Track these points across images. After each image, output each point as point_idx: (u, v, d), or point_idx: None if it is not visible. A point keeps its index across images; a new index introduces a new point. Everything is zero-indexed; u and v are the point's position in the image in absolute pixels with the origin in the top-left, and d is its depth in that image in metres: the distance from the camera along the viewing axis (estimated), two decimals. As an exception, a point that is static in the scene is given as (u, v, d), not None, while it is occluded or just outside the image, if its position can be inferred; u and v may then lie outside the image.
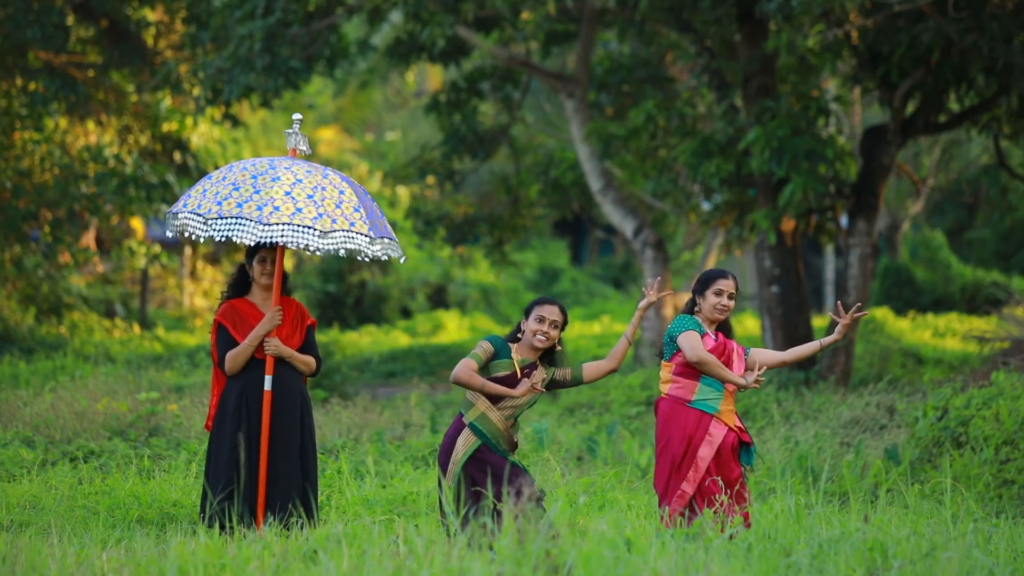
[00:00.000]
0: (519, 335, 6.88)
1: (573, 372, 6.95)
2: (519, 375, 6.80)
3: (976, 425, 9.61)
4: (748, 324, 24.04)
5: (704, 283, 6.98)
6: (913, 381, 14.99)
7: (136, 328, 23.54)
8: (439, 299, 31.23)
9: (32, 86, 19.43)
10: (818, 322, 21.39)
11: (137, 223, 24.90)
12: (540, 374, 6.85)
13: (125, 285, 27.21)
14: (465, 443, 6.77)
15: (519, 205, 21.19)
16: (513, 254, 24.94)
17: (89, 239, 24.62)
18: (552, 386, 6.95)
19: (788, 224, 15.25)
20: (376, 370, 20.49)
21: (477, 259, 31.16)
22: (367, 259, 7.31)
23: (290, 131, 7.55)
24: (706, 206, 18.05)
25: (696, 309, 6.97)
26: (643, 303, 6.92)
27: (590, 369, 6.96)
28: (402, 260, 7.42)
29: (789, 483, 8.87)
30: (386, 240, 7.30)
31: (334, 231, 7.09)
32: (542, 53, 19.63)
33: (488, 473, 6.71)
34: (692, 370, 6.89)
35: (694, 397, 6.90)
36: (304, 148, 7.52)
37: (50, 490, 8.83)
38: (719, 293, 6.93)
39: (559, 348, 6.90)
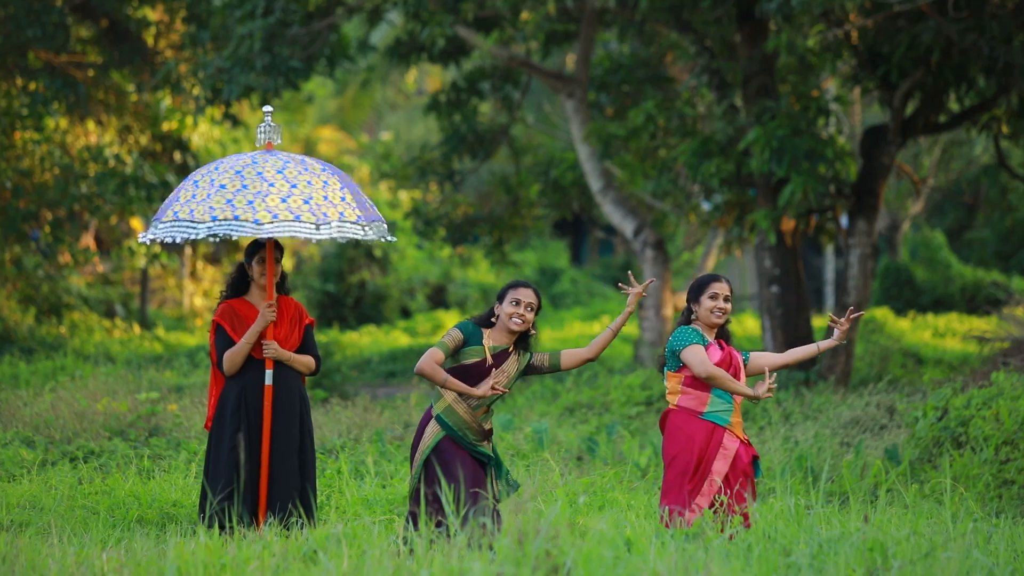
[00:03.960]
0: (493, 319, 6.84)
1: (551, 358, 6.90)
2: (490, 362, 6.77)
3: (976, 425, 9.61)
4: (748, 324, 24.04)
5: (698, 289, 6.85)
6: (913, 381, 14.99)
7: (136, 328, 23.53)
8: (439, 299, 31.23)
9: (32, 86, 19.42)
10: (818, 322, 21.38)
11: (137, 223, 24.89)
12: (510, 366, 6.80)
13: (125, 285, 27.20)
14: (431, 435, 6.80)
15: (519, 205, 21.18)
16: (513, 254, 24.92)
17: (89, 239, 24.62)
18: (530, 371, 6.91)
19: (788, 224, 15.24)
20: (376, 370, 20.48)
21: (477, 259, 31.14)
22: (382, 239, 7.36)
23: (263, 124, 7.60)
24: (706, 206, 18.04)
25: (693, 317, 6.84)
26: (631, 298, 6.86)
27: (568, 356, 6.90)
28: (391, 239, 7.45)
29: (789, 483, 8.87)
30: (376, 223, 7.37)
31: (328, 223, 7.12)
32: (542, 53, 19.62)
33: (449, 467, 6.69)
34: (703, 381, 6.76)
35: (706, 409, 6.76)
36: (277, 140, 7.60)
37: (50, 490, 8.83)
38: (714, 297, 6.79)
39: (533, 332, 6.86)
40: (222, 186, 7.10)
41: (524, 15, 18.70)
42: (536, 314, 6.82)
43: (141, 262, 23.14)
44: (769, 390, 6.70)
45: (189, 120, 20.69)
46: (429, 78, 37.00)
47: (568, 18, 18.62)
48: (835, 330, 6.94)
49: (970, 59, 13.94)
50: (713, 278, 6.87)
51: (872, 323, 20.75)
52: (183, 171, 21.50)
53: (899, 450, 10.10)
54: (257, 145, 7.62)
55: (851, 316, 6.96)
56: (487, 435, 6.84)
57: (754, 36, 15.25)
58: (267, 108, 7.69)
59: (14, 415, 11.43)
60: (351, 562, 5.35)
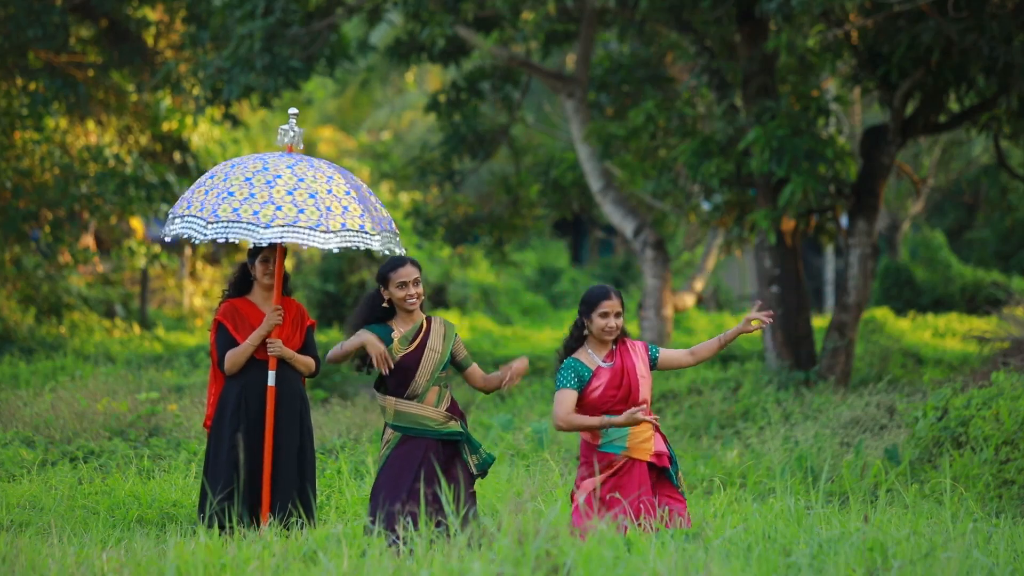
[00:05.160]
0: (384, 305, 6.82)
1: (464, 361, 6.88)
2: (412, 347, 6.77)
3: (976, 425, 9.61)
4: (748, 324, 23.99)
5: (588, 305, 6.57)
6: (913, 381, 14.99)
7: (136, 328, 23.51)
8: (439, 299, 31.22)
9: (32, 86, 19.42)
10: (818, 322, 21.38)
11: (137, 223, 24.89)
12: (436, 340, 6.79)
13: (125, 285, 27.19)
14: (385, 442, 6.84)
15: (519, 205, 21.17)
16: (513, 254, 24.92)
17: (89, 239, 24.61)
18: (451, 357, 6.89)
19: (788, 224, 15.24)
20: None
21: (477, 259, 31.14)
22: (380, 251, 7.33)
23: (286, 127, 7.55)
24: (706, 206, 18.03)
25: (586, 333, 6.59)
26: (513, 374, 6.78)
27: (471, 376, 6.89)
28: (400, 251, 7.39)
29: (789, 483, 8.87)
30: (387, 233, 7.32)
31: (340, 231, 7.07)
32: (542, 53, 19.62)
33: (414, 461, 6.70)
34: (592, 412, 6.51)
35: (600, 442, 6.51)
36: (299, 144, 7.55)
37: (50, 490, 8.84)
38: (605, 315, 6.53)
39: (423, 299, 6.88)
40: (230, 193, 7.08)
41: (524, 15, 18.70)
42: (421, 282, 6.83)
43: (141, 262, 23.13)
44: (651, 418, 6.41)
45: (189, 120, 20.68)
46: (429, 76, 36.99)
47: (568, 18, 18.62)
48: (747, 321, 6.62)
49: (970, 59, 13.93)
50: (603, 294, 6.59)
51: (872, 323, 20.75)
52: (183, 171, 21.50)
53: (899, 450, 10.10)
54: (278, 144, 7.56)
55: (758, 316, 6.65)
56: (451, 415, 6.81)
57: (754, 36, 15.25)
58: (292, 110, 7.62)
59: (14, 415, 11.43)
60: (351, 562, 5.35)
